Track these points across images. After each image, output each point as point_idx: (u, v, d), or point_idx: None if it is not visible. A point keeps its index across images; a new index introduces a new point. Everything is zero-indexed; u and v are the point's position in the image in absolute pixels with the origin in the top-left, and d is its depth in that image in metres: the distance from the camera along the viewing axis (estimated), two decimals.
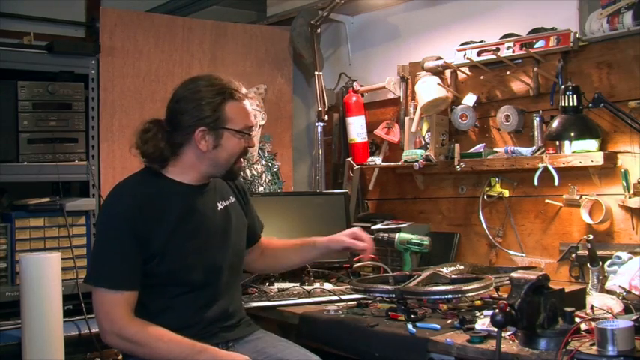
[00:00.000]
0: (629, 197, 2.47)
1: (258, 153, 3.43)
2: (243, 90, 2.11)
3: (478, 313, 2.23)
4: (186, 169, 2.09)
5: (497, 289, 2.40)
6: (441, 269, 2.37)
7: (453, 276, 2.33)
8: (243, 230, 2.27)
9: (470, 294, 2.21)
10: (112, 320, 1.93)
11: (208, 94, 2.04)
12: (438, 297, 2.22)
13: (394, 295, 2.24)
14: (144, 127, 2.07)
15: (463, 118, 2.97)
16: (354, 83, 3.47)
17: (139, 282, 1.97)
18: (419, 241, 2.84)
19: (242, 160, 2.15)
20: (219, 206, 2.17)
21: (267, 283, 2.91)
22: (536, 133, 2.71)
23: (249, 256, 2.35)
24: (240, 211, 2.26)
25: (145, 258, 1.97)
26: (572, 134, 2.47)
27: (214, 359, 1.90)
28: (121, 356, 2.72)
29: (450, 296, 2.20)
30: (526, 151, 2.72)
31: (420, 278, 2.29)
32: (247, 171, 3.34)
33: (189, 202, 2.08)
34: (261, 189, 3.39)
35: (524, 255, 2.82)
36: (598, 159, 2.48)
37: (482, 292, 2.20)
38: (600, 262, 2.40)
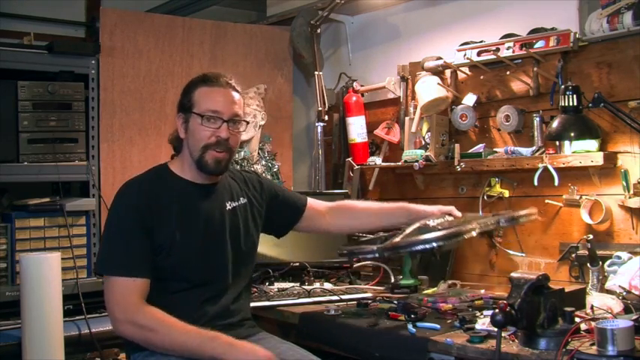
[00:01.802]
0: (629, 197, 2.47)
1: (259, 153, 3.43)
2: (225, 79, 2.10)
3: (478, 313, 2.23)
4: (184, 163, 2.13)
5: (488, 234, 2.30)
6: (428, 222, 2.20)
7: (440, 227, 2.15)
8: (254, 231, 2.26)
9: (453, 240, 2.02)
10: (124, 308, 1.92)
11: (190, 82, 2.12)
12: (420, 247, 2.02)
13: (377, 255, 2.12)
14: None
15: (463, 118, 2.97)
16: (354, 83, 3.47)
17: (151, 271, 1.98)
18: None
19: (218, 152, 2.06)
20: (228, 206, 2.17)
21: (267, 283, 2.91)
22: (536, 133, 2.71)
23: (310, 223, 2.40)
24: (250, 212, 2.25)
25: (153, 249, 2.00)
26: (572, 134, 2.47)
27: (228, 347, 1.87)
28: (121, 356, 2.73)
29: (434, 244, 2.00)
30: (526, 151, 2.72)
31: (406, 232, 2.13)
32: None
33: (193, 201, 2.10)
34: None
35: (524, 255, 2.82)
36: (598, 159, 2.48)
37: (461, 236, 2.02)
38: (600, 262, 2.40)
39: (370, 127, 3.42)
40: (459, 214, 2.28)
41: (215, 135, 2.06)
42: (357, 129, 3.42)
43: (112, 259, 1.98)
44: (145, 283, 1.96)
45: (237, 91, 2.13)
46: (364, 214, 2.45)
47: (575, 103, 2.44)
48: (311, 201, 2.43)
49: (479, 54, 2.87)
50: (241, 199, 2.23)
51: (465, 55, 2.91)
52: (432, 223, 2.18)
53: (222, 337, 1.89)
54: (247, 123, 2.16)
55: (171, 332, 1.89)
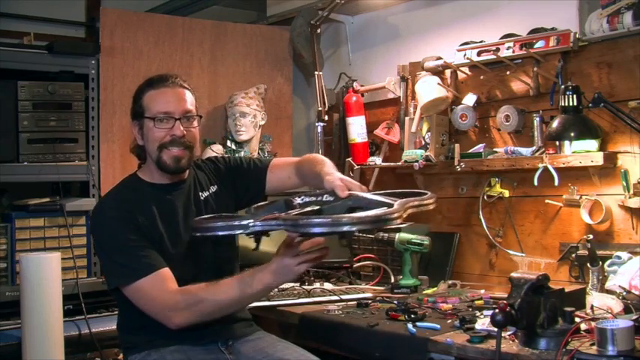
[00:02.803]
0: (629, 197, 2.46)
1: (258, 153, 3.43)
2: (172, 79, 2.10)
3: (478, 313, 2.23)
4: (150, 168, 2.14)
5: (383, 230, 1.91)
6: (296, 199, 1.91)
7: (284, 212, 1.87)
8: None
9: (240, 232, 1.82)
10: (164, 302, 1.93)
11: (138, 88, 2.13)
12: (211, 233, 1.86)
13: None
14: None
15: (463, 118, 2.97)
16: (354, 83, 3.46)
17: (163, 260, 1.99)
18: (419, 241, 2.84)
19: (175, 150, 2.06)
20: (201, 197, 2.18)
21: None
22: (536, 133, 2.71)
23: (279, 184, 2.28)
24: (222, 197, 2.24)
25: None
26: (572, 134, 2.47)
27: (271, 274, 1.87)
28: (121, 356, 2.73)
29: (217, 233, 1.86)
30: (526, 151, 2.72)
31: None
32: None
33: (169, 201, 2.11)
34: None
35: (524, 255, 2.82)
36: (598, 159, 2.48)
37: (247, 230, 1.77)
38: (600, 262, 2.40)
39: (370, 127, 3.41)
40: (343, 193, 1.82)
41: (169, 134, 2.06)
42: (357, 129, 3.42)
43: (125, 269, 1.97)
44: (166, 271, 1.97)
45: (185, 87, 2.13)
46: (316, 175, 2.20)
47: (575, 103, 2.44)
48: (276, 161, 2.33)
49: (479, 54, 2.87)
50: (212, 187, 2.23)
51: (465, 55, 2.90)
52: (298, 200, 1.91)
53: (259, 270, 1.89)
54: (200, 117, 2.16)
55: (216, 293, 1.91)
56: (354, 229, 1.60)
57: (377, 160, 3.31)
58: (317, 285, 2.89)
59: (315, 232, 1.64)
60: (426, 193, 1.95)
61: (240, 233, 1.80)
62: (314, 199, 1.86)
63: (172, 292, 1.94)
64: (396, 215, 1.66)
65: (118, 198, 2.09)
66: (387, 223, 1.69)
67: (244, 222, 1.77)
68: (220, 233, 1.84)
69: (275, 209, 1.91)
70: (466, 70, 3.02)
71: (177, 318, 1.92)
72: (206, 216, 2.01)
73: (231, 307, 1.96)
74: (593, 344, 1.74)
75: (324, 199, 1.86)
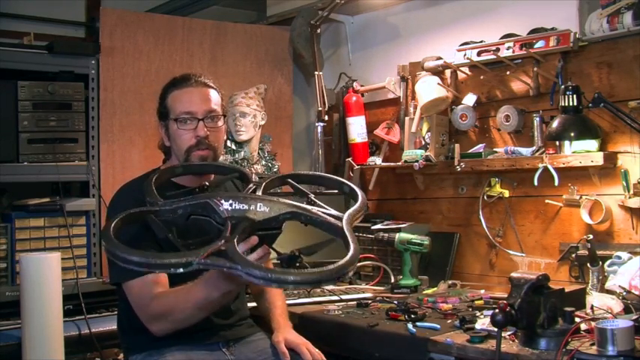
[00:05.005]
0: (629, 197, 2.47)
1: (259, 153, 3.43)
2: (195, 78, 2.11)
3: (478, 313, 2.23)
4: None
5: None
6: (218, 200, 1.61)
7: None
8: None
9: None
10: (143, 310, 1.91)
11: (163, 88, 2.13)
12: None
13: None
14: None
15: (463, 118, 2.97)
16: (354, 83, 3.47)
17: None
18: (419, 241, 2.84)
19: (201, 151, 2.06)
20: None
21: None
22: (536, 133, 2.71)
23: None
24: None
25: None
26: (572, 134, 2.47)
27: (223, 276, 1.76)
28: (121, 356, 2.73)
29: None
30: (526, 151, 2.72)
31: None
32: (247, 171, 3.34)
33: None
34: None
35: (524, 255, 2.82)
36: (598, 159, 2.48)
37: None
38: (600, 262, 2.40)
39: (370, 127, 3.41)
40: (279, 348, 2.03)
41: (195, 136, 2.06)
42: (357, 129, 3.42)
43: (118, 267, 1.94)
44: (155, 277, 1.92)
45: (210, 87, 2.13)
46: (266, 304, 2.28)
47: (575, 103, 2.44)
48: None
49: (479, 54, 2.87)
50: None
51: (465, 55, 2.91)
52: (226, 205, 1.61)
53: (210, 275, 1.79)
54: (224, 116, 2.16)
55: (182, 302, 1.84)
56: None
57: (377, 160, 3.31)
58: None
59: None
60: (357, 194, 1.88)
61: (174, 272, 1.46)
62: (245, 207, 1.60)
63: (149, 300, 1.90)
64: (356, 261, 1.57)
65: (134, 193, 2.02)
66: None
67: (186, 259, 1.44)
68: (144, 270, 1.51)
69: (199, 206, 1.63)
70: (466, 70, 3.02)
71: (154, 329, 1.91)
72: (119, 220, 1.64)
73: (202, 313, 1.88)
74: (593, 344, 1.74)
75: (257, 208, 1.61)
